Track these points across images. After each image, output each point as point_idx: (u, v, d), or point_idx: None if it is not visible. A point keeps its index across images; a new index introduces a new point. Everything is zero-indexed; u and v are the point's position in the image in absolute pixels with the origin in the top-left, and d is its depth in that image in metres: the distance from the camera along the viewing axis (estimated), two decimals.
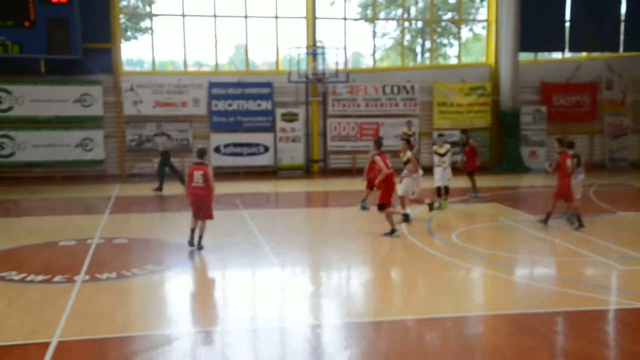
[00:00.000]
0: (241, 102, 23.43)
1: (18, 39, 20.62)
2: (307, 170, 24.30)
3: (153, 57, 23.83)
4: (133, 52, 27.09)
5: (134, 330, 7.81)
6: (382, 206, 12.85)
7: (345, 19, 24.95)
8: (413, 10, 28.43)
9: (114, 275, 10.23)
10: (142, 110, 22.79)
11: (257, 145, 23.92)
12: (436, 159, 16.45)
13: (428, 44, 27.54)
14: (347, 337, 7.64)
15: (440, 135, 17.09)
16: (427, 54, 28.04)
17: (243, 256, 11.73)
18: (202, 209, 11.75)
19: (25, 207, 17.77)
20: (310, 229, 15.03)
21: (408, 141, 14.57)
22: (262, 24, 24.26)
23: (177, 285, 10.16)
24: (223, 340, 7.65)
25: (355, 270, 11.03)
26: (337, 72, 22.97)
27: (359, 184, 17.57)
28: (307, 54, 23.19)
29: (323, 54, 23.25)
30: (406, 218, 13.73)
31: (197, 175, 11.67)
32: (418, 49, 28.79)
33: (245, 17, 23.73)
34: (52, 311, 8.45)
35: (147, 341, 7.43)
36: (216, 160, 23.41)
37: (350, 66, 24.35)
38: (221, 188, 20.35)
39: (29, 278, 10.04)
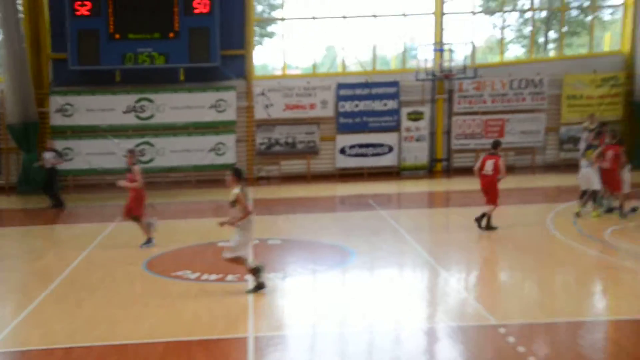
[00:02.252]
0: (368, 102, 23.66)
1: (164, 50, 21.82)
2: (430, 170, 24.22)
3: (284, 61, 24.50)
4: (260, 57, 27.97)
5: (326, 325, 8.17)
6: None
7: (473, 12, 24.71)
8: (536, 1, 27.66)
9: (280, 274, 10.70)
10: (272, 114, 23.48)
11: (382, 145, 24.06)
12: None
13: (552, 35, 26.78)
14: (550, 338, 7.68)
15: None
16: (550, 45, 27.24)
17: (397, 255, 11.95)
18: (489, 194, 13.46)
19: (172, 210, 18.71)
20: (455, 227, 14.98)
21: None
22: (390, 22, 24.35)
23: (346, 283, 10.50)
24: (432, 337, 7.87)
25: (518, 270, 10.96)
26: (464, 68, 22.77)
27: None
28: (435, 50, 23.14)
29: (450, 50, 23.10)
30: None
31: (489, 163, 13.39)
32: (541, 40, 28.01)
33: (374, 16, 23.93)
34: (237, 308, 8.96)
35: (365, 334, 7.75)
36: (341, 161, 23.80)
37: (476, 61, 24.01)
38: (349, 189, 21.03)
39: (204, 277, 10.67)
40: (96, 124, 22.91)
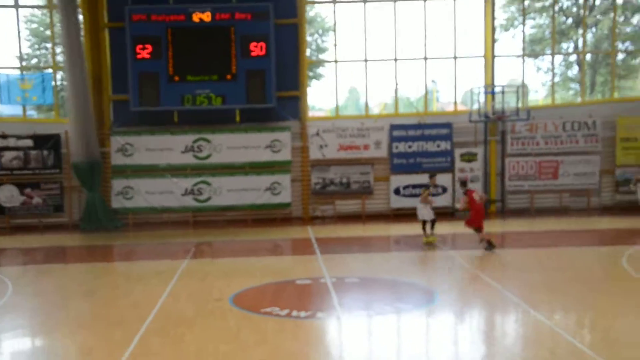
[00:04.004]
0: (421, 143, 23.94)
1: (221, 92, 22.45)
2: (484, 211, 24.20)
3: (336, 102, 25.00)
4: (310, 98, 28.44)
5: None
6: None
7: (523, 56, 25.04)
8: (581, 43, 27.96)
9: (372, 312, 10.84)
10: (326, 154, 23.84)
11: (436, 186, 24.17)
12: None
13: (599, 78, 26.96)
14: None
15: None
16: (597, 88, 27.42)
17: (481, 295, 11.99)
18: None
19: (233, 248, 18.94)
20: (526, 268, 14.90)
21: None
22: (440, 65, 24.78)
23: (441, 323, 10.56)
24: None
25: (622, 314, 10.92)
26: (517, 110, 22.99)
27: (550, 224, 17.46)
28: (487, 92, 23.43)
29: (502, 92, 23.36)
30: None
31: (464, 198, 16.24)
32: (588, 83, 28.22)
33: (425, 59, 24.35)
34: (334, 346, 9.10)
35: None
36: (395, 202, 24.01)
37: (527, 103, 24.22)
38: (407, 229, 21.08)
39: (294, 313, 10.82)
40: (155, 163, 23.44)
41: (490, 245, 16.17)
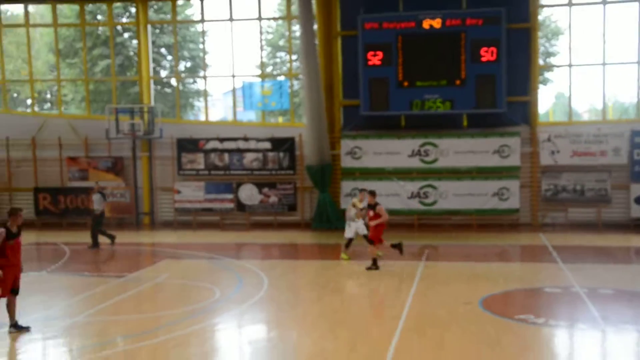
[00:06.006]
0: None
1: (450, 97, 22.39)
2: None
3: (570, 107, 23.87)
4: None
5: None
6: None
7: None
8: None
9: (637, 327, 10.17)
10: (558, 160, 22.80)
11: None
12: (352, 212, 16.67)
13: None
14: None
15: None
16: None
17: None
18: None
19: (468, 252, 18.66)
20: None
21: None
22: None
23: None
24: None
25: None
26: None
27: None
28: None
29: None
30: None
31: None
32: None
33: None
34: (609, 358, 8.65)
35: None
36: (637, 211, 22.28)
37: None
38: None
39: (552, 322, 10.47)
40: (382, 166, 23.95)
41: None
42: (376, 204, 15.52)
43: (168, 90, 34.81)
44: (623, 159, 22.42)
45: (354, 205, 16.96)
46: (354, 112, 23.91)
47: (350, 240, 17.13)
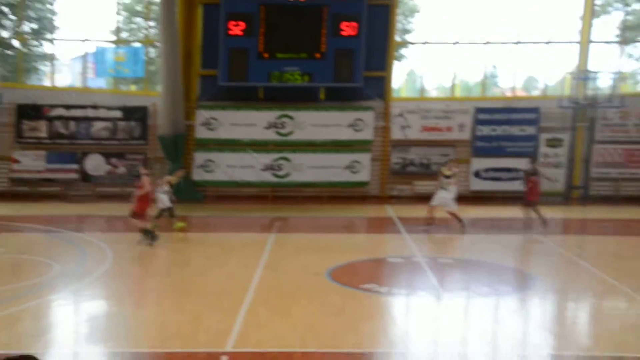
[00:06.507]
0: (506, 127, 23.49)
1: (309, 70, 22.45)
2: (566, 197, 23.68)
3: (422, 83, 24.75)
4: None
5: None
6: None
7: (622, 42, 24.23)
8: None
9: (473, 293, 10.76)
10: (408, 135, 23.66)
11: (517, 170, 23.72)
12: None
13: None
14: None
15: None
16: None
17: (579, 279, 11.75)
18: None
19: (320, 224, 19.01)
20: (632, 257, 14.35)
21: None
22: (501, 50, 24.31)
23: (546, 305, 10.43)
24: None
25: None
26: (611, 97, 22.26)
27: None
28: (580, 78, 22.75)
29: (594, 78, 22.66)
30: None
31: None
32: None
33: (517, 43, 23.87)
34: (444, 323, 9.10)
35: None
36: (475, 184, 23.72)
37: (621, 90, 23.42)
38: (492, 212, 20.32)
39: (394, 291, 10.85)
40: (238, 138, 23.71)
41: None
42: (142, 175, 14.81)
43: (10, 52, 32.22)
44: (466, 134, 23.66)
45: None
46: (212, 82, 23.41)
47: None
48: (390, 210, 20.88)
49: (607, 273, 12.00)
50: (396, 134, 23.77)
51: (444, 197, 16.84)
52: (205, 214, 20.62)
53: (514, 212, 18.36)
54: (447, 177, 16.99)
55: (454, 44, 24.00)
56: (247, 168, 23.71)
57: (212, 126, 23.74)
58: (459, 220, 16.66)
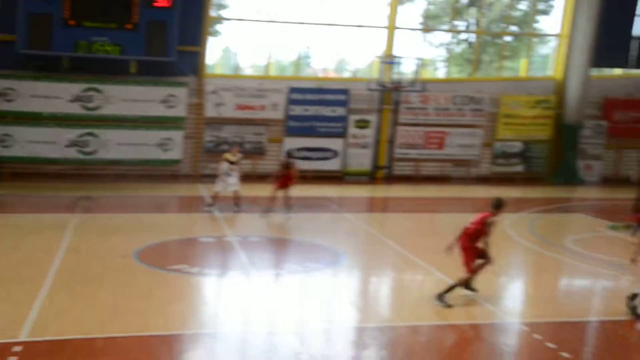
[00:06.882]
0: (318, 107, 24.09)
1: (119, 41, 21.25)
2: (371, 176, 24.92)
3: (236, 61, 24.55)
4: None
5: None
6: None
7: (424, 30, 25.79)
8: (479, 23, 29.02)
9: (283, 270, 10.95)
10: (222, 112, 23.44)
11: (328, 150, 24.57)
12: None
13: (488, 57, 28.22)
14: None
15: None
16: (481, 66, 28.70)
17: (384, 257, 12.42)
18: None
19: (128, 203, 18.26)
20: (428, 233, 15.33)
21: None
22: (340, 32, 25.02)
23: (353, 281, 10.87)
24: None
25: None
26: (413, 82, 23.63)
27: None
28: (386, 62, 23.88)
29: (399, 63, 23.92)
30: None
31: None
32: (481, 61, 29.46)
33: (330, 25, 24.50)
34: (255, 302, 9.17)
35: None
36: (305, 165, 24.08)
37: (422, 76, 24.93)
38: (301, 190, 21.11)
39: (205, 271, 10.73)
40: (39, 110, 22.03)
41: None
42: None
43: None
44: (280, 114, 23.94)
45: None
46: (9, 48, 21.38)
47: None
48: (203, 189, 20.60)
49: (407, 249, 12.78)
50: (210, 111, 23.42)
51: (229, 182, 16.85)
52: None
53: (325, 190, 18.96)
54: (232, 162, 16.98)
55: (269, 22, 24.10)
56: (50, 144, 22.13)
57: (9, 97, 21.82)
58: (239, 203, 16.70)
